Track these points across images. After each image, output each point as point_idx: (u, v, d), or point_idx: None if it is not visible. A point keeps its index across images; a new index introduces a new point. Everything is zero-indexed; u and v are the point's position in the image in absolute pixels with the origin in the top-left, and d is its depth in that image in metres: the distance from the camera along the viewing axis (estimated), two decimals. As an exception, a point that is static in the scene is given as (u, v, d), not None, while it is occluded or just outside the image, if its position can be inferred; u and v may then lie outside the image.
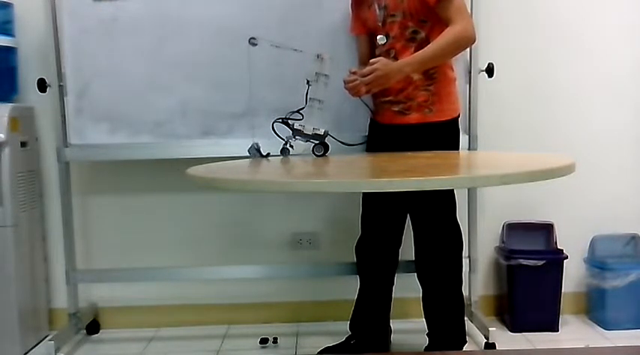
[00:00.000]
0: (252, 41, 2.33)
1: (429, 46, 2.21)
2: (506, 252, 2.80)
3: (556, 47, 2.89)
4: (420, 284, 2.42)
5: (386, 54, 2.31)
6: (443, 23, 2.22)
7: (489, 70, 2.61)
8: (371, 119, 2.51)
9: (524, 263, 2.72)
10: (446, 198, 2.36)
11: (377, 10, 2.33)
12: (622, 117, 2.93)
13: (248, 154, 2.17)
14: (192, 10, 2.59)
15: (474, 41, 2.25)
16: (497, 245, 2.93)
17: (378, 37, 2.34)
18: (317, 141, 2.18)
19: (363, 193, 2.48)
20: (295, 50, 2.30)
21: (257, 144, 2.17)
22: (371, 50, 2.43)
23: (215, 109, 2.63)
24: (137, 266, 2.87)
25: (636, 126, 2.94)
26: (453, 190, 2.37)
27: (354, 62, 2.51)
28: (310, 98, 2.22)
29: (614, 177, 2.94)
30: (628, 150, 2.95)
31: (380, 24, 2.33)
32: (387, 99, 2.36)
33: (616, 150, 2.94)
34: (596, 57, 2.90)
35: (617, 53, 2.90)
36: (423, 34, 2.27)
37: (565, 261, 2.75)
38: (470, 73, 2.63)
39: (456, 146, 2.38)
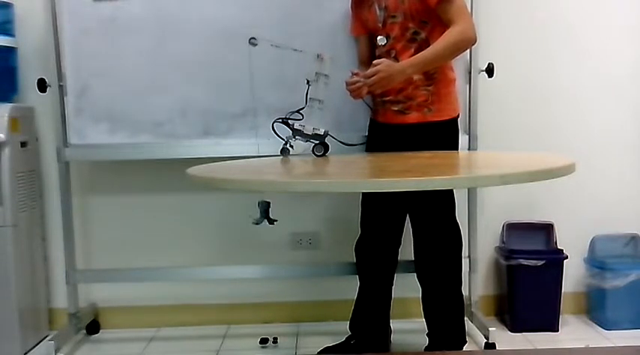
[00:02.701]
0: (252, 41, 2.33)
1: (430, 47, 2.21)
2: (506, 252, 2.80)
3: (556, 47, 2.89)
4: (420, 284, 2.42)
5: (386, 54, 2.31)
6: (443, 24, 2.22)
7: (489, 70, 2.61)
8: (371, 118, 2.51)
9: (524, 263, 2.72)
10: (445, 198, 2.36)
11: (377, 11, 2.33)
12: (622, 118, 2.93)
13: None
14: (192, 10, 2.59)
15: (475, 42, 2.25)
16: (497, 245, 2.93)
17: (379, 37, 2.34)
18: (317, 141, 2.18)
19: (363, 193, 2.48)
20: (295, 50, 2.30)
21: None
22: (371, 51, 2.43)
23: (215, 109, 2.63)
24: (137, 267, 2.87)
25: (636, 127, 2.94)
26: (452, 190, 2.37)
27: (354, 62, 2.51)
28: (310, 98, 2.22)
29: (614, 177, 2.94)
30: (628, 150, 2.95)
31: (380, 25, 2.33)
32: (387, 98, 2.36)
33: (616, 150, 2.94)
34: (596, 57, 2.90)
35: (617, 53, 2.91)
36: (423, 35, 2.27)
37: (565, 261, 2.75)
38: (470, 73, 2.63)
39: (455, 146, 2.38)
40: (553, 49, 2.89)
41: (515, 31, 2.87)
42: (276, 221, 2.27)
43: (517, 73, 2.87)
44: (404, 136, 2.31)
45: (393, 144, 2.30)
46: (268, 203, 2.27)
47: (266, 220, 2.26)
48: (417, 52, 2.25)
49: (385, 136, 2.41)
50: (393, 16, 2.29)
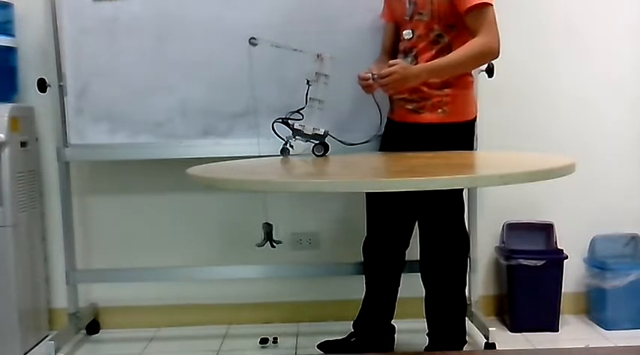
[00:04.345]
0: (252, 41, 2.33)
1: (450, 54, 2.18)
2: (506, 252, 2.80)
3: (557, 47, 2.89)
4: (424, 286, 2.41)
5: (408, 51, 2.29)
6: (469, 32, 2.19)
7: (489, 70, 2.60)
8: (387, 118, 2.47)
9: (524, 263, 2.72)
10: (454, 201, 2.35)
11: (407, 4, 2.30)
12: (623, 117, 2.93)
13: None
14: (192, 10, 2.59)
15: (498, 56, 2.19)
16: (497, 245, 2.93)
17: (405, 31, 2.32)
18: (317, 141, 2.18)
19: (367, 194, 2.47)
20: (295, 50, 2.30)
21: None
22: (395, 41, 2.41)
23: (215, 109, 2.63)
24: (137, 266, 2.87)
25: (637, 126, 2.94)
26: (461, 193, 2.36)
27: (355, 62, 2.48)
28: (310, 98, 2.22)
29: (614, 177, 2.94)
30: (629, 151, 2.94)
31: (407, 18, 2.30)
32: (402, 96, 2.33)
33: (616, 151, 2.94)
34: (597, 57, 2.90)
35: (618, 53, 2.90)
36: (447, 39, 2.24)
37: (565, 261, 2.75)
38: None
39: (468, 149, 2.34)
40: (554, 49, 2.89)
41: (515, 31, 2.86)
42: (280, 242, 2.39)
43: (517, 73, 2.87)
44: (417, 136, 2.28)
45: (406, 143, 2.26)
46: (270, 225, 2.36)
47: (269, 243, 2.36)
48: (438, 54, 2.22)
49: (398, 135, 2.38)
50: (420, 14, 2.26)
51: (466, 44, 2.16)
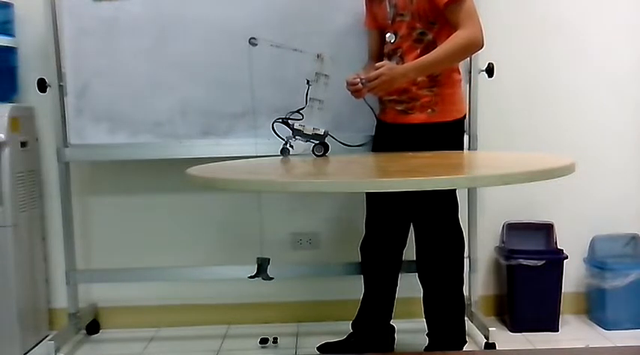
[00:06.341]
0: (253, 41, 2.33)
1: (435, 50, 2.19)
2: (506, 252, 2.80)
3: (556, 47, 2.89)
4: (421, 285, 2.41)
5: (393, 53, 2.31)
6: (451, 26, 2.20)
7: (489, 70, 2.61)
8: (377, 119, 2.49)
9: (524, 263, 2.72)
10: (447, 199, 2.36)
11: (387, 8, 2.32)
12: (622, 117, 2.93)
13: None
14: (192, 10, 2.59)
15: (482, 47, 2.19)
16: (497, 245, 2.93)
17: (387, 35, 2.33)
18: (317, 141, 2.18)
19: (367, 194, 2.48)
20: (295, 50, 2.30)
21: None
22: (381, 46, 2.42)
23: (215, 109, 2.64)
24: (137, 267, 2.87)
25: (636, 126, 2.94)
26: (454, 191, 2.37)
27: (354, 62, 2.50)
28: (310, 98, 2.22)
29: (614, 177, 2.94)
30: (628, 150, 2.95)
31: (389, 21, 2.32)
32: (391, 98, 2.35)
33: (616, 150, 2.94)
34: (596, 57, 2.90)
35: (617, 53, 2.91)
36: (430, 36, 2.26)
37: (565, 261, 2.75)
38: (470, 73, 2.63)
39: (459, 147, 2.36)
40: (553, 49, 2.89)
41: (515, 31, 2.87)
42: (272, 278, 2.45)
43: (517, 73, 2.87)
44: (408, 136, 2.30)
45: (397, 144, 2.29)
46: (268, 259, 2.42)
47: (262, 278, 2.44)
48: (423, 52, 2.23)
49: (390, 136, 2.40)
50: (402, 15, 2.28)
51: (450, 38, 2.17)
